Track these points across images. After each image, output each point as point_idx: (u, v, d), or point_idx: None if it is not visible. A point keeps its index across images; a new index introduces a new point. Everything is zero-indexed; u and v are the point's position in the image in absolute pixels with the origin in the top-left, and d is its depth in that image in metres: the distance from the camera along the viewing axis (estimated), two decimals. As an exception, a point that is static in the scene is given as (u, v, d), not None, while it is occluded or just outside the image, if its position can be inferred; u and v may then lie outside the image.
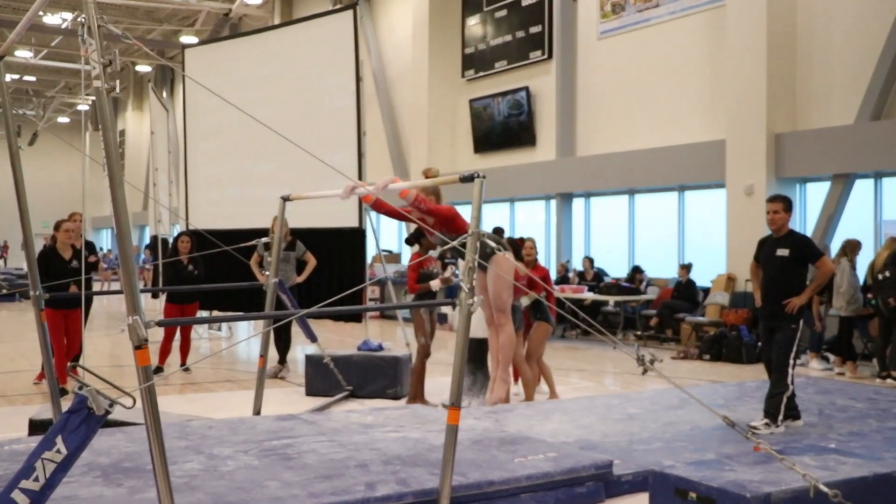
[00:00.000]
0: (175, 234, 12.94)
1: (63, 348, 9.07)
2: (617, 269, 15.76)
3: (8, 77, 6.01)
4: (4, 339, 14.36)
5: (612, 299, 14.44)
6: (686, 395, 4.67)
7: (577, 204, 17.22)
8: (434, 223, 6.41)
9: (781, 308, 6.64)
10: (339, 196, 5.96)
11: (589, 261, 15.72)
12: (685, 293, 14.07)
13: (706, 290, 13.78)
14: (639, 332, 14.30)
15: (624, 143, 15.40)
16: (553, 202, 17.37)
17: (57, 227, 9.44)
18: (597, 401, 7.87)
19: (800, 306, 6.65)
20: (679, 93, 14.57)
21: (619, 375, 11.04)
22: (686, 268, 14.15)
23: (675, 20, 14.58)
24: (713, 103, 13.89)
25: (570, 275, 15.75)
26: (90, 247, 9.98)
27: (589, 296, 14.52)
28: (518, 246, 8.50)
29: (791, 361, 6.65)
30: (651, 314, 14.36)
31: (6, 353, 10.84)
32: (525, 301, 8.21)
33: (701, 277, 14.04)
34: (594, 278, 15.25)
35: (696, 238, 15.05)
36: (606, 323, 14.42)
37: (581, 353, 13.19)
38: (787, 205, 6.87)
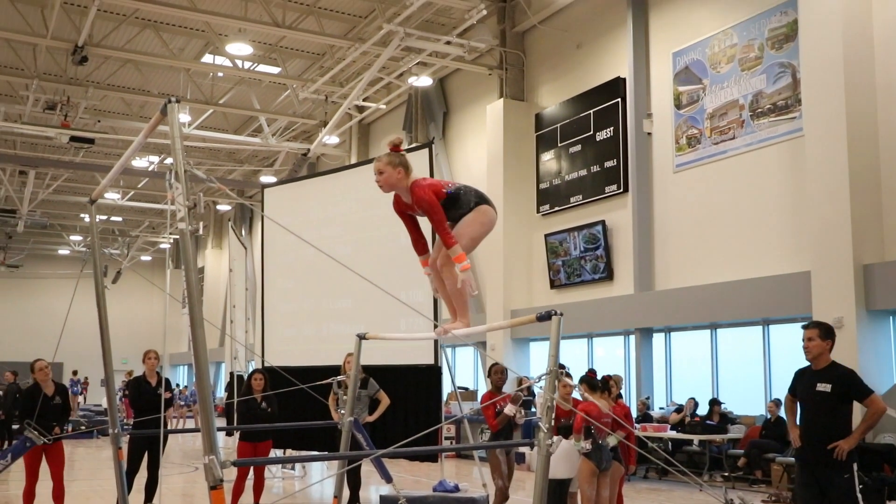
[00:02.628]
0: (249, 371, 13.08)
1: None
2: (700, 407, 15.33)
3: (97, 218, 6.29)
4: (80, 476, 14.50)
5: (696, 438, 14.02)
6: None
7: (658, 339, 16.97)
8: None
9: (828, 454, 5.99)
10: (435, 336, 5.86)
11: (717, 403, 14.82)
12: (774, 431, 13.52)
13: (798, 429, 13.25)
14: (726, 474, 13.82)
15: (704, 276, 15.20)
16: (632, 337, 17.15)
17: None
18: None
19: (849, 451, 5.98)
20: (759, 224, 14.43)
21: (707, 520, 10.62)
22: (775, 404, 13.62)
23: (752, 151, 14.57)
24: (796, 234, 13.68)
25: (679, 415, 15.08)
26: (166, 383, 10.22)
27: (671, 434, 14.14)
28: (594, 382, 8.37)
29: None
30: (738, 454, 13.87)
31: (82, 492, 10.91)
32: (612, 441, 8.04)
33: (790, 415, 13.53)
34: (721, 420, 14.62)
35: (783, 373, 14.58)
36: (691, 463, 13.97)
37: (664, 494, 12.77)
38: (823, 331, 6.32)
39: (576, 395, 8.29)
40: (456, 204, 5.33)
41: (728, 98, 15.06)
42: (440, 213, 5.20)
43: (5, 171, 28.35)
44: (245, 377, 16.91)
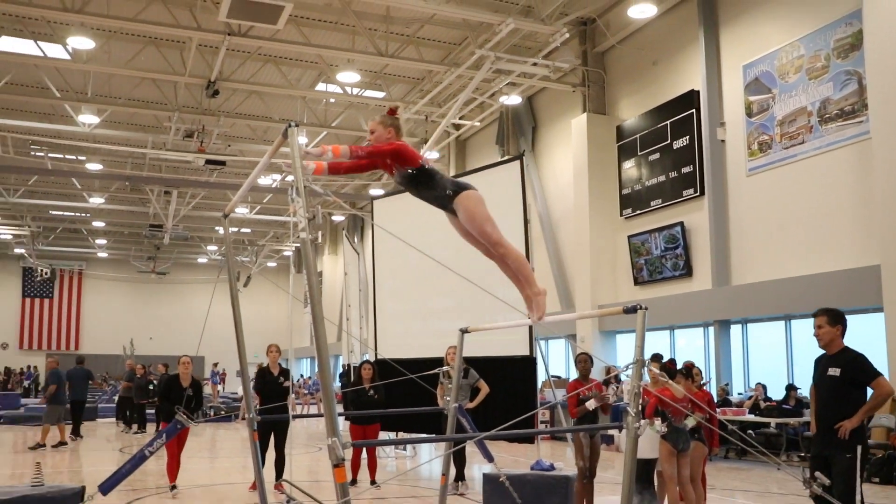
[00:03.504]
0: (359, 363, 13.27)
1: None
2: (776, 392, 14.93)
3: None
4: (221, 454, 14.91)
5: (773, 421, 13.64)
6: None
7: (735, 330, 16.60)
8: (387, 163, 5.08)
9: (834, 434, 5.61)
10: (531, 321, 5.62)
11: (794, 388, 14.44)
12: None
13: (869, 413, 12.80)
14: (802, 454, 13.40)
15: (778, 271, 14.83)
16: (711, 329, 16.82)
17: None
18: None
19: (853, 430, 5.58)
20: (829, 221, 14.01)
21: (784, 497, 10.31)
22: None
23: (821, 154, 14.16)
24: (865, 230, 13.24)
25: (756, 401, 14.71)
26: (285, 373, 10.49)
27: (750, 418, 13.78)
28: (672, 370, 8.21)
29: (858, 497, 5.49)
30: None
31: (225, 468, 11.25)
32: (690, 422, 7.89)
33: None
34: (797, 404, 14.20)
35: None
36: (768, 444, 13.60)
37: (744, 473, 12.46)
38: (832, 318, 5.93)
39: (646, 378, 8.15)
40: (430, 182, 4.95)
41: (797, 105, 14.66)
42: (392, 147, 4.82)
43: (153, 191, 29.36)
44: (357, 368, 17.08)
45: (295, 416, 7.11)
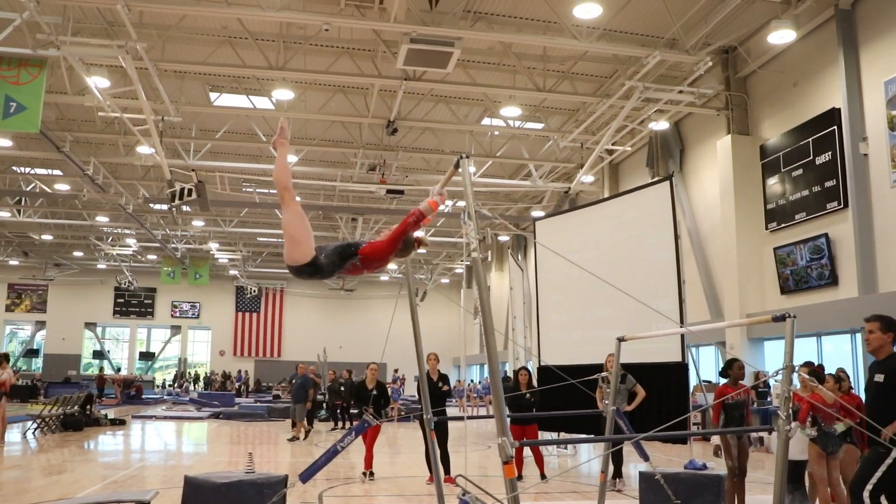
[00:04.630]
0: (516, 369, 13.24)
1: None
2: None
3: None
4: (403, 450, 15.23)
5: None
6: None
7: (884, 336, 15.42)
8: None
9: (878, 434, 5.17)
10: (682, 330, 5.52)
11: None
12: None
13: None
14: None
15: (925, 279, 13.72)
16: (858, 335, 15.80)
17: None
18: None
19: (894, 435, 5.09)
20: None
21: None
22: None
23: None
24: None
25: None
26: (444, 378, 10.58)
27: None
28: (821, 375, 7.74)
29: (867, 489, 5.11)
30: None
31: (406, 462, 11.48)
32: (840, 427, 7.41)
33: None
34: None
35: None
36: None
37: None
38: (884, 324, 5.44)
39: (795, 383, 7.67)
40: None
41: (938, 119, 13.58)
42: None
43: (342, 218, 30.58)
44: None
45: (468, 417, 7.17)
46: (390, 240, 4.83)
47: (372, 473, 10.87)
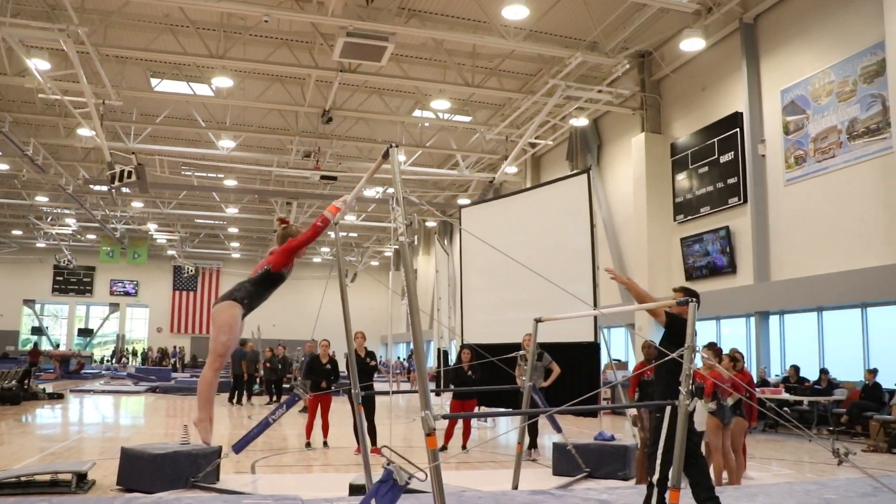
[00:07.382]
0: (458, 347, 13.28)
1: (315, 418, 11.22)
2: (809, 375, 14.44)
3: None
4: (333, 423, 15.14)
5: (806, 399, 13.23)
6: (879, 484, 4.13)
7: (773, 320, 16.16)
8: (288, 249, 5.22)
9: None
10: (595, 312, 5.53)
11: (825, 372, 14.14)
12: (872, 394, 12.95)
13: (891, 392, 12.66)
14: (831, 428, 12.89)
15: (812, 268, 14.50)
16: (752, 319, 16.37)
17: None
18: (796, 486, 7.14)
19: None
20: (857, 225, 13.66)
21: (815, 465, 9.97)
22: (872, 372, 13.12)
23: (850, 167, 13.84)
24: (889, 232, 12.94)
25: (775, 380, 14.45)
26: (371, 354, 10.54)
27: (785, 396, 13.38)
28: (719, 354, 8.04)
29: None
30: (841, 412, 13.07)
31: (335, 434, 11.40)
32: (731, 400, 7.71)
33: (886, 380, 12.92)
34: (828, 385, 13.83)
35: (880, 347, 13.69)
36: (801, 420, 13.21)
37: (779, 444, 12.14)
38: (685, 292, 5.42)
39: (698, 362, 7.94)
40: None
41: (828, 125, 14.30)
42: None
43: (277, 202, 30.10)
44: (449, 353, 17.13)
45: (394, 392, 7.16)
46: (300, 242, 5.19)
47: (325, 444, 10.95)
